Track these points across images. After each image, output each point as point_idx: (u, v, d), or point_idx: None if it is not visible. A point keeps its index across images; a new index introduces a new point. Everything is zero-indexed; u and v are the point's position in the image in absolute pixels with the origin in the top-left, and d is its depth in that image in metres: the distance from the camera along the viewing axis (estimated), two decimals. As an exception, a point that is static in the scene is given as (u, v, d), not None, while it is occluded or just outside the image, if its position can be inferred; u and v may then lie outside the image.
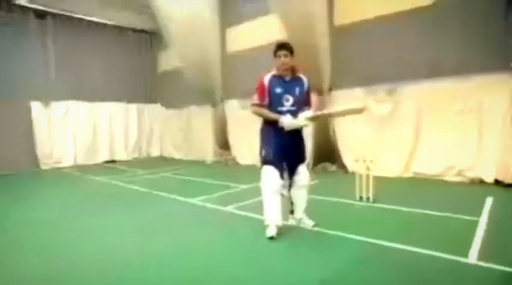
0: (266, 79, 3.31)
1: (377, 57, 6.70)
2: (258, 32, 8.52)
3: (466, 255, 2.62)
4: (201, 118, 10.21)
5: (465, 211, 3.79)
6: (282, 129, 3.21)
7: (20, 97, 9.43)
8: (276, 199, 3.25)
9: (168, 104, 12.07)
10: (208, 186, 6.17)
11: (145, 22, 11.47)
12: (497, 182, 5.18)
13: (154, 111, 12.38)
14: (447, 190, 5.14)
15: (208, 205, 4.69)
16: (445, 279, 2.34)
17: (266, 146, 3.32)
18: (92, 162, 10.67)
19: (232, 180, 6.51)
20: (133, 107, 11.84)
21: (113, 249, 3.14)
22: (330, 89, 7.19)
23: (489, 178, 5.26)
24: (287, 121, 3.17)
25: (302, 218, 3.52)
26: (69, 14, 10.18)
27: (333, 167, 7.14)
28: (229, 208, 4.46)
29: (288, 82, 3.29)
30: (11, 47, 9.38)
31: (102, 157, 11.00)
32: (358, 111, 3.43)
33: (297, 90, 3.29)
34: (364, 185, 4.54)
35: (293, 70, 3.34)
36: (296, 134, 3.35)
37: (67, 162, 10.27)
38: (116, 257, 2.93)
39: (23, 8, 9.44)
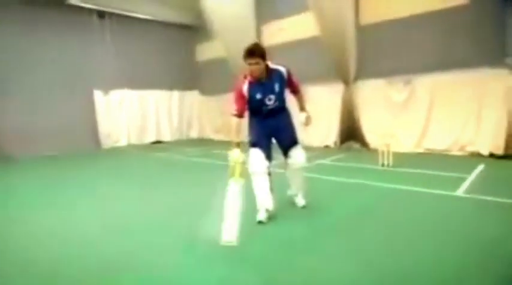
0: (244, 88, 3.24)
1: (396, 52, 7.98)
2: (292, 28, 9.85)
3: (455, 191, 4.10)
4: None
5: (459, 171, 5.22)
6: (263, 115, 3.34)
7: (85, 86, 11.07)
8: (264, 181, 3.28)
9: (205, 91, 13.56)
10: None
11: (187, 18, 12.91)
12: (491, 155, 6.53)
13: (193, 97, 13.91)
14: (450, 160, 6.52)
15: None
16: (439, 203, 3.81)
17: (252, 131, 3.40)
18: (141, 142, 12.34)
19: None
20: (175, 94, 13.40)
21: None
22: (355, 79, 8.53)
23: (485, 152, 6.61)
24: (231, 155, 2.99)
25: (296, 195, 3.72)
26: (123, 12, 11.65)
27: (357, 145, 8.55)
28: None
29: (265, 83, 3.24)
30: (78, 43, 10.95)
31: (150, 137, 12.66)
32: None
33: (277, 86, 3.26)
34: (386, 156, 5.99)
35: (267, 70, 3.24)
36: (280, 116, 3.41)
37: (122, 142, 11.95)
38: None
39: (88, 10, 10.96)
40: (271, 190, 3.40)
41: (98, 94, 11.39)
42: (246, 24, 10.27)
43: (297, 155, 3.51)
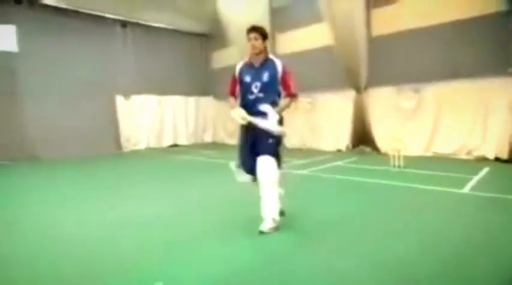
0: (237, 68, 3.35)
1: (405, 61, 8.45)
2: (306, 38, 10.39)
3: (462, 189, 4.57)
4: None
5: (466, 172, 5.68)
6: (248, 105, 3.21)
7: (107, 91, 11.68)
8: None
9: (219, 97, 14.12)
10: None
11: (203, 27, 13.53)
12: (497, 159, 6.95)
13: (208, 102, 14.48)
14: (457, 163, 6.95)
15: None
16: (447, 199, 4.27)
17: (239, 145, 3.43)
18: (159, 146, 12.89)
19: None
20: (191, 99, 13.99)
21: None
22: (366, 87, 9.01)
23: (491, 156, 7.04)
24: (233, 114, 3.18)
25: (264, 220, 3.17)
26: (144, 22, 12.30)
27: (369, 149, 9.00)
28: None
29: (257, 68, 3.23)
30: (101, 51, 11.58)
31: (167, 141, 13.22)
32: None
33: (265, 76, 3.19)
34: (397, 158, 6.45)
35: (265, 55, 3.25)
36: (262, 115, 3.10)
37: (142, 145, 12.52)
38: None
39: (112, 20, 11.62)
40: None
41: (119, 99, 11.99)
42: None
43: (262, 165, 3.13)
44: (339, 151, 9.42)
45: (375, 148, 8.90)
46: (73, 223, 3.74)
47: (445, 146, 7.75)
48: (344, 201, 4.36)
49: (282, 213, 3.34)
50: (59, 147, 10.23)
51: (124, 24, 11.97)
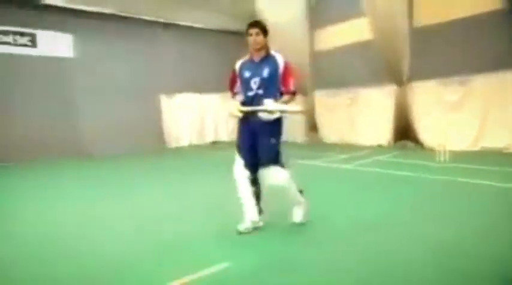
0: (237, 64, 3.28)
1: (450, 53, 8.20)
2: (345, 33, 10.33)
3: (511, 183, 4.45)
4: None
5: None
6: (247, 102, 3.09)
7: (151, 91, 12.31)
8: (246, 188, 3.15)
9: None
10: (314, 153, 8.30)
11: (240, 25, 13.77)
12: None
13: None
14: (508, 157, 6.68)
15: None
16: (494, 192, 4.20)
17: (237, 133, 3.29)
18: (201, 142, 13.39)
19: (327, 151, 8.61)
20: (230, 97, 14.32)
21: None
22: (409, 81, 8.83)
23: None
24: (229, 109, 3.07)
25: (292, 213, 3.34)
26: (184, 23, 12.79)
27: (412, 144, 8.82)
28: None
29: (257, 63, 3.15)
30: (146, 53, 12.23)
31: (208, 138, 13.69)
32: (298, 112, 3.60)
33: (265, 71, 3.08)
34: (442, 153, 6.34)
35: (266, 51, 3.17)
36: (260, 127, 3.03)
37: (185, 142, 13.08)
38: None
39: (156, 23, 12.22)
40: (258, 198, 3.24)
41: (163, 98, 12.60)
42: (299, 29, 10.90)
43: (270, 177, 3.07)
44: (380, 146, 9.32)
45: (418, 143, 8.71)
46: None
47: (494, 140, 7.44)
48: (391, 195, 4.42)
49: (301, 192, 3.33)
50: (110, 145, 10.96)
51: (166, 25, 12.53)
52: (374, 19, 8.52)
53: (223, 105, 14.16)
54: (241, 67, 3.22)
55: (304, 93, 11.65)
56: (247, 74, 3.14)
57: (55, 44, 10.34)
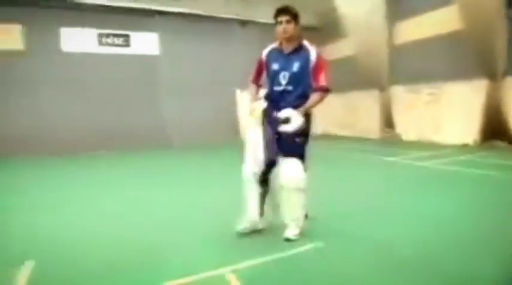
0: (265, 52, 2.96)
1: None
2: (429, 24, 9.67)
3: None
4: (367, 101, 11.97)
5: None
6: (274, 99, 2.83)
7: (228, 85, 12.90)
8: (251, 189, 2.86)
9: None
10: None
11: (314, 20, 13.69)
12: None
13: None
14: None
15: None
16: None
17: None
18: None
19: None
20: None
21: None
22: (504, 75, 7.98)
23: None
24: (251, 108, 2.82)
25: (287, 226, 2.86)
26: (261, 20, 13.03)
27: (503, 144, 8.00)
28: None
29: (287, 55, 2.83)
30: (222, 48, 12.86)
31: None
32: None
33: (296, 65, 2.77)
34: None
35: (298, 41, 2.85)
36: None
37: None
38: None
39: (234, 20, 12.76)
40: (264, 201, 2.96)
41: (238, 93, 13.15)
42: (377, 22, 10.47)
43: (288, 170, 2.75)
44: (465, 145, 8.61)
45: (511, 143, 7.88)
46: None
47: None
48: (476, 195, 4.15)
49: (305, 216, 2.96)
50: (186, 136, 11.81)
51: (243, 23, 13.00)
52: (464, 7, 7.85)
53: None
54: (269, 58, 2.91)
55: (381, 89, 11.24)
56: (275, 66, 2.83)
57: (144, 42, 11.47)
